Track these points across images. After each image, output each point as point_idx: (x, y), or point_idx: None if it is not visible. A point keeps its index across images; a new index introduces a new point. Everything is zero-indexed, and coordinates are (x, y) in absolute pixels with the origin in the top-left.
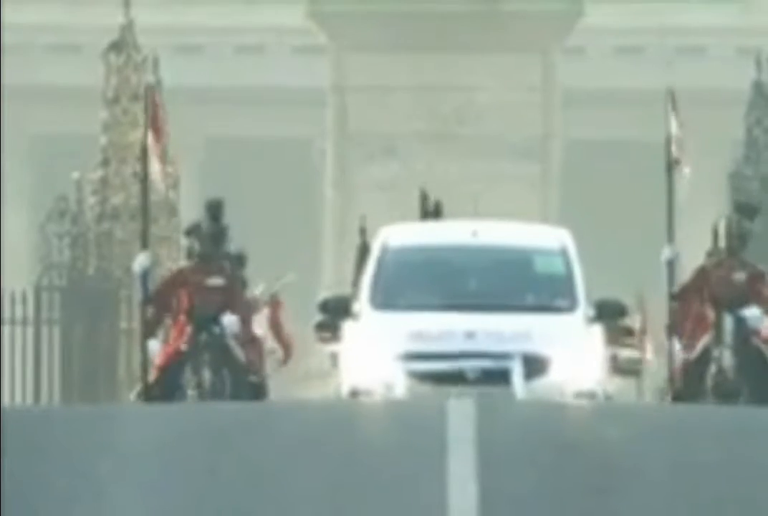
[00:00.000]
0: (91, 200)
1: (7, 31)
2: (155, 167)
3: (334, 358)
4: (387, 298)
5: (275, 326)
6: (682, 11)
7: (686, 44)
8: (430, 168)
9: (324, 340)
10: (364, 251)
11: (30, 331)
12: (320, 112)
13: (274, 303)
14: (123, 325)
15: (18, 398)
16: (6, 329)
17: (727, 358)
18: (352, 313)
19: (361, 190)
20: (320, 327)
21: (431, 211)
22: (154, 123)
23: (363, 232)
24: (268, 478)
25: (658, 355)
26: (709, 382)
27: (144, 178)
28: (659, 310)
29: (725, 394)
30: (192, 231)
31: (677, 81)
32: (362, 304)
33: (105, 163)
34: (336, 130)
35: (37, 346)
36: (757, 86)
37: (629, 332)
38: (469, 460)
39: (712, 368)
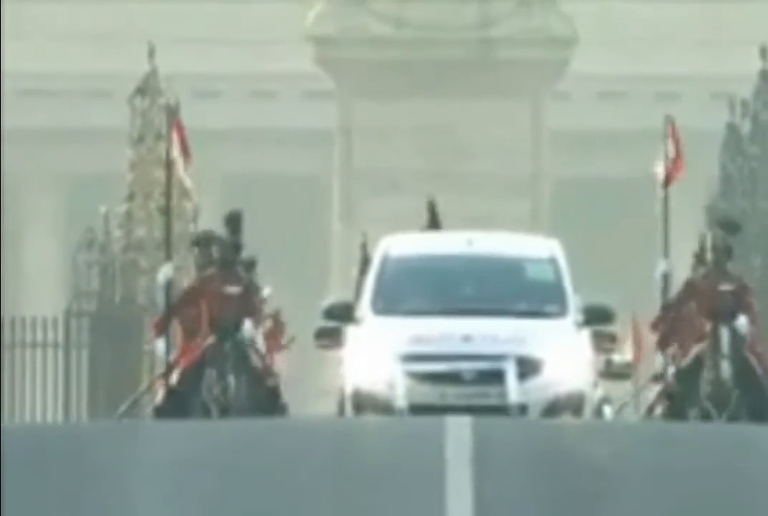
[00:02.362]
0: (117, 232)
1: (43, 78)
2: (186, 180)
3: (341, 363)
4: (388, 304)
5: (273, 339)
6: (661, 60)
7: (664, 90)
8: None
9: (323, 347)
10: (365, 264)
11: (60, 353)
12: (328, 151)
13: (276, 319)
14: (147, 348)
15: (49, 416)
16: (38, 352)
17: (725, 368)
18: (355, 319)
19: (366, 223)
20: (320, 334)
21: (432, 221)
22: (182, 142)
23: (364, 247)
24: (278, 488)
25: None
26: (704, 389)
27: (167, 211)
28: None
29: (721, 401)
30: (200, 242)
31: (656, 123)
32: (364, 310)
33: (130, 198)
34: (343, 168)
35: (67, 367)
36: (731, 128)
37: (612, 339)
38: (466, 469)
39: (707, 376)
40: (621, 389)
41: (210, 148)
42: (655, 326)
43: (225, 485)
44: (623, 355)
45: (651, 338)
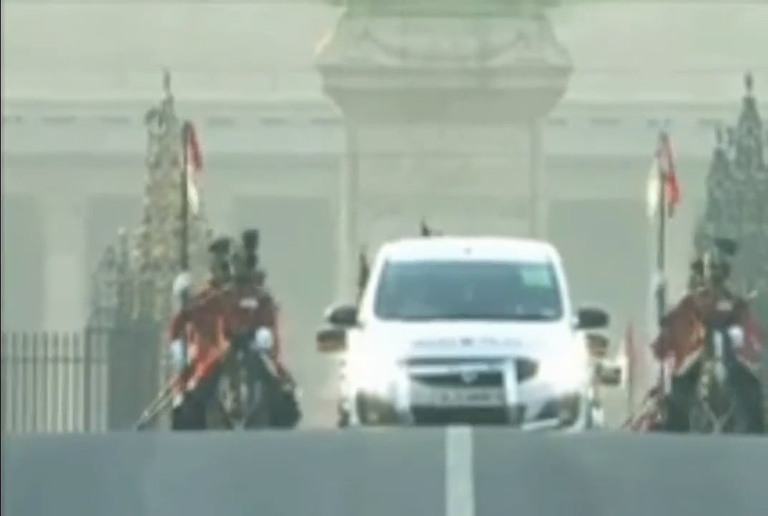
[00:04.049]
0: (135, 253)
1: (64, 106)
2: (193, 196)
3: (343, 365)
4: (390, 309)
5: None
6: (652, 88)
7: (655, 117)
8: (431, 224)
9: (326, 349)
10: (364, 274)
11: (81, 368)
12: (335, 175)
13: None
14: (163, 362)
15: (70, 427)
16: (60, 366)
17: (720, 371)
18: (358, 323)
19: (371, 243)
20: (322, 337)
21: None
22: (195, 157)
23: (363, 258)
24: (282, 500)
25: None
26: (703, 392)
27: (183, 219)
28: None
29: (718, 403)
30: (217, 247)
31: (647, 148)
32: (366, 315)
33: (147, 220)
34: (349, 191)
35: (87, 381)
36: (718, 154)
37: (603, 342)
38: (466, 480)
39: (705, 380)
40: (611, 394)
41: (223, 172)
42: (658, 351)
43: (230, 497)
44: (613, 360)
45: (644, 344)
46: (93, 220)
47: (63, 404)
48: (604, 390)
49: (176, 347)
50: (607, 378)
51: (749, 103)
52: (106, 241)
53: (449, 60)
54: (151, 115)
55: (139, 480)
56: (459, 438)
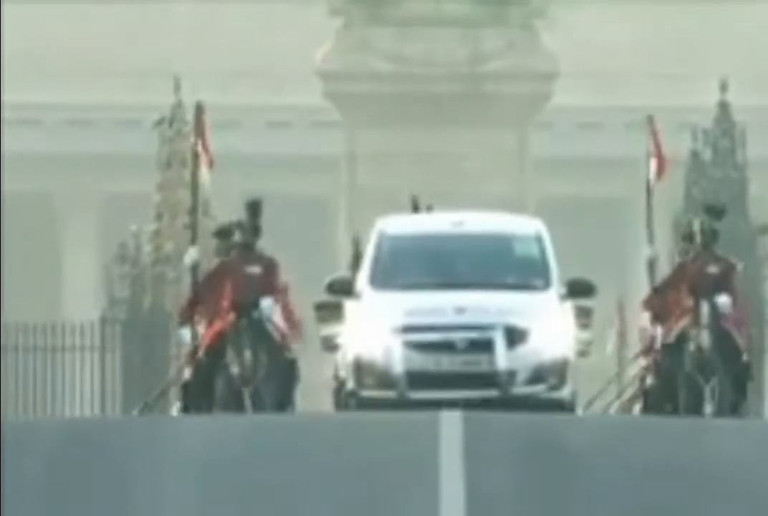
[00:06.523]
0: (147, 248)
1: (80, 109)
2: (205, 173)
3: (326, 341)
4: (385, 280)
5: (285, 311)
6: (632, 93)
7: (635, 120)
8: None
9: (322, 319)
10: (356, 258)
11: (96, 356)
12: (335, 175)
13: (283, 290)
14: (173, 351)
15: (87, 411)
16: (77, 355)
17: (704, 338)
18: (355, 293)
19: (368, 239)
20: (319, 307)
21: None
22: (203, 137)
23: (356, 242)
24: (277, 480)
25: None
26: (688, 359)
27: (193, 192)
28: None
29: (704, 369)
30: (220, 233)
31: (627, 150)
32: (363, 286)
33: (158, 217)
34: (348, 190)
35: (102, 369)
36: (694, 154)
37: (587, 313)
38: (458, 461)
39: (691, 347)
40: (600, 364)
41: (230, 171)
42: (647, 304)
43: (228, 477)
44: (585, 332)
45: (636, 321)
46: (107, 217)
47: (80, 390)
48: (593, 360)
49: (185, 332)
50: (577, 350)
51: (724, 107)
52: (120, 236)
53: (442, 66)
54: (159, 122)
55: (153, 463)
56: (450, 421)
